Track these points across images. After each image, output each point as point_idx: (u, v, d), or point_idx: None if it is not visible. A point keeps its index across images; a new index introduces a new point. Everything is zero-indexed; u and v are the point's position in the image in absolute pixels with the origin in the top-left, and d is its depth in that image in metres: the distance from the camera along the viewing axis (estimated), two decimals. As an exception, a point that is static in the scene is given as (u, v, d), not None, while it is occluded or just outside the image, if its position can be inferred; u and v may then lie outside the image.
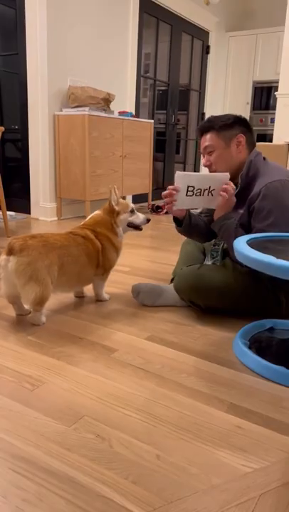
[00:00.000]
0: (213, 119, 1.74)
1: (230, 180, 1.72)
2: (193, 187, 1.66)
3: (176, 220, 1.91)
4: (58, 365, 1.37)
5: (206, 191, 1.66)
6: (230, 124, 1.71)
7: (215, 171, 1.74)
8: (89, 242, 1.79)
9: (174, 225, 1.95)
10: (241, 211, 1.69)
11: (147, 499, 0.87)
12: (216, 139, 1.72)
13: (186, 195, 1.66)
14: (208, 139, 1.74)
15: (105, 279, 1.93)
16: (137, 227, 1.96)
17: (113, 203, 1.88)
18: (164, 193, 1.71)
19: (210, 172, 1.76)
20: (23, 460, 0.96)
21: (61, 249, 1.67)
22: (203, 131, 1.76)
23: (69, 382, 1.28)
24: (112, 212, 1.89)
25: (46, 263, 1.59)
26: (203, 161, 1.80)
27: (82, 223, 1.91)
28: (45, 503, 0.85)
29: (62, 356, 1.44)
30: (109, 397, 1.21)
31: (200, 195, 1.67)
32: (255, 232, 1.59)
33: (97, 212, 1.94)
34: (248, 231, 1.65)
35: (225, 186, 1.64)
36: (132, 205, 1.95)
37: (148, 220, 1.96)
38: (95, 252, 1.80)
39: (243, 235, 1.59)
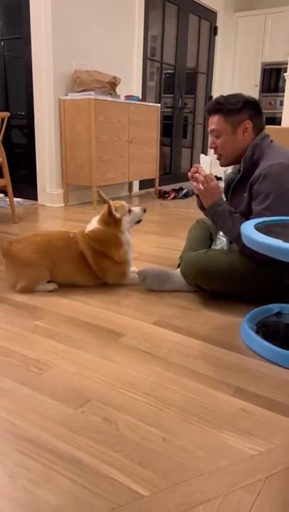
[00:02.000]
0: (223, 102, 1.69)
1: (234, 164, 1.72)
2: (202, 168, 1.74)
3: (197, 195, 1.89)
4: (64, 350, 1.38)
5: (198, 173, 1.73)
6: (239, 108, 1.67)
7: (220, 155, 1.75)
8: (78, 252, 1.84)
9: (196, 201, 1.93)
10: (245, 194, 1.68)
11: (153, 480, 0.87)
12: (223, 123, 1.69)
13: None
14: (215, 122, 1.71)
15: (125, 279, 1.93)
16: (137, 222, 1.96)
17: (114, 213, 1.84)
18: (192, 169, 1.78)
19: (215, 155, 1.77)
20: (29, 442, 0.97)
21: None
22: (211, 111, 1.73)
23: (76, 366, 1.28)
24: (116, 223, 1.85)
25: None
26: (209, 142, 1.78)
27: (85, 232, 1.89)
28: (52, 484, 0.86)
29: (69, 341, 1.44)
30: (116, 380, 1.22)
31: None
32: (254, 216, 1.57)
33: (97, 226, 1.88)
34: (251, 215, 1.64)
35: (196, 174, 1.69)
36: (126, 204, 1.92)
37: (144, 210, 1.94)
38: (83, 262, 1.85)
39: (241, 220, 1.58)
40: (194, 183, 1.74)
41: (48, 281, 1.85)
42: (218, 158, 1.78)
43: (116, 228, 1.86)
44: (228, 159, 1.75)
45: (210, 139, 1.77)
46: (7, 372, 1.24)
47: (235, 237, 1.66)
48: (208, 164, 1.72)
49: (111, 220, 1.85)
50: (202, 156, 1.80)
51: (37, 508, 0.80)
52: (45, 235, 1.91)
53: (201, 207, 1.86)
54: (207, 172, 1.71)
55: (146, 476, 0.89)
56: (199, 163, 1.78)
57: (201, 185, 1.70)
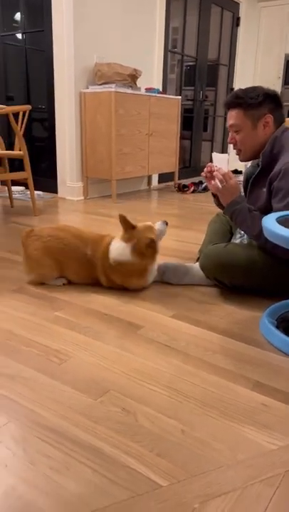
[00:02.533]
0: (242, 96, 1.66)
1: (255, 158, 1.71)
2: (217, 166, 1.71)
3: (214, 195, 1.88)
4: (84, 340, 1.40)
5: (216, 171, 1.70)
6: (259, 102, 1.64)
7: (240, 150, 1.73)
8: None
9: (212, 199, 1.92)
10: (264, 189, 1.66)
11: (172, 471, 0.88)
12: (242, 118, 1.66)
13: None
14: (234, 117, 1.68)
15: (145, 284, 1.83)
16: None
17: (156, 240, 1.72)
18: (205, 169, 1.76)
19: (235, 150, 1.74)
20: (50, 430, 0.98)
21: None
22: (230, 106, 1.70)
23: (95, 357, 1.30)
24: (153, 254, 1.74)
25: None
26: (229, 137, 1.76)
27: (111, 259, 1.74)
28: (72, 472, 0.87)
29: (88, 332, 1.46)
30: (135, 372, 1.22)
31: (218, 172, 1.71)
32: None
33: (129, 259, 1.70)
34: (271, 211, 1.61)
35: (215, 173, 1.66)
36: (154, 225, 1.78)
37: (166, 223, 1.85)
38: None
39: (260, 217, 1.55)
40: (212, 182, 1.70)
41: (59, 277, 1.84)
42: (237, 154, 1.75)
43: (152, 259, 1.75)
44: (248, 154, 1.72)
45: (230, 134, 1.75)
46: (28, 362, 1.26)
47: (255, 236, 1.64)
48: (226, 162, 1.69)
49: (149, 252, 1.72)
50: (215, 154, 1.76)
51: (57, 494, 0.82)
52: (66, 230, 1.83)
53: (219, 205, 1.84)
54: (225, 170, 1.68)
55: (164, 466, 0.89)
56: (212, 161, 1.76)
57: (219, 184, 1.67)
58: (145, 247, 1.70)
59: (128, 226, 1.72)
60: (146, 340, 1.42)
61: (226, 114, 1.75)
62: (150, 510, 0.79)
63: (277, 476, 0.88)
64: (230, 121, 1.70)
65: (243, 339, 1.44)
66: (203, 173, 1.77)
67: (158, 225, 1.80)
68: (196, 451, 0.94)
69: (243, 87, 1.72)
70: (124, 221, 1.72)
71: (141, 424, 1.02)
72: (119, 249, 1.73)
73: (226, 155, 1.71)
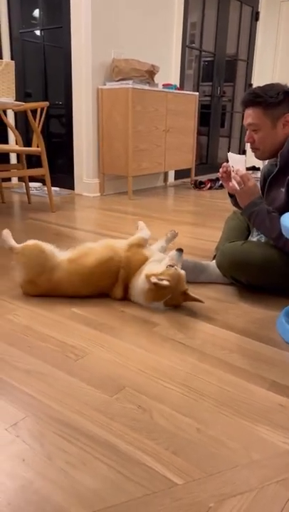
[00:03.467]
0: (261, 94, 1.62)
1: (272, 157, 1.69)
2: (233, 167, 1.70)
3: (231, 195, 1.87)
4: (100, 337, 1.40)
5: (234, 172, 1.68)
6: (279, 101, 1.60)
7: (257, 149, 1.71)
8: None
9: (229, 199, 1.91)
10: (283, 189, 1.63)
11: (187, 470, 0.88)
12: (262, 117, 1.63)
13: (232, 173, 1.71)
14: (252, 116, 1.64)
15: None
16: None
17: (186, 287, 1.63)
18: (221, 170, 1.76)
19: (251, 148, 1.72)
20: (67, 425, 1.00)
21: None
22: (247, 104, 1.66)
23: (111, 354, 1.30)
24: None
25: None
26: (246, 136, 1.73)
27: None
28: (88, 467, 0.88)
29: (104, 328, 1.47)
30: (151, 369, 1.23)
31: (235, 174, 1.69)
32: None
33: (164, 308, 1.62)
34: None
35: (238, 176, 1.63)
36: (178, 272, 1.61)
37: (181, 251, 1.69)
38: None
39: (279, 219, 1.53)
40: (230, 184, 1.68)
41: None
42: (253, 151, 1.73)
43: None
44: (266, 154, 1.70)
45: (247, 132, 1.72)
46: (45, 357, 1.27)
47: (273, 238, 1.62)
48: (243, 163, 1.66)
49: (182, 299, 1.64)
50: (230, 154, 1.73)
51: (74, 489, 0.83)
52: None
53: (236, 205, 1.83)
54: (243, 171, 1.65)
55: (179, 464, 0.89)
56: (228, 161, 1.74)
57: (237, 186, 1.65)
58: (179, 299, 1.64)
59: (162, 287, 1.56)
60: (162, 337, 1.42)
61: (243, 110, 1.72)
62: (165, 508, 0.79)
63: (294, 478, 0.87)
64: (248, 120, 1.67)
65: (259, 338, 1.43)
66: (219, 174, 1.76)
67: (175, 256, 1.66)
68: (211, 449, 0.94)
69: (262, 84, 1.69)
70: (158, 286, 1.56)
71: (156, 421, 1.02)
72: (152, 305, 1.63)
73: (243, 156, 1.68)
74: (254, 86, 1.93)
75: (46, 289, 1.66)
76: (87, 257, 1.67)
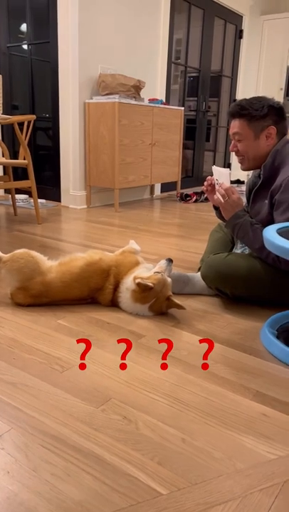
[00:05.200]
0: (246, 107, 1.67)
1: (256, 168, 1.73)
2: (217, 180, 1.76)
3: (216, 208, 1.91)
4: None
5: (218, 185, 1.73)
6: (264, 115, 1.65)
7: (242, 158, 1.75)
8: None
9: (214, 212, 1.95)
10: (266, 201, 1.68)
11: (172, 480, 0.89)
12: (246, 128, 1.68)
13: (217, 186, 1.77)
14: (237, 126, 1.69)
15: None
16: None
17: (170, 294, 1.69)
18: (205, 183, 1.83)
19: (237, 158, 1.77)
20: (52, 437, 1.00)
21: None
22: (234, 115, 1.71)
23: (97, 366, 1.31)
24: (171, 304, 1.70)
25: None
26: (231, 145, 1.78)
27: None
28: (73, 479, 0.88)
29: (90, 340, 1.47)
30: (136, 381, 1.24)
31: (219, 187, 1.74)
32: None
33: (149, 313, 1.68)
34: (272, 223, 1.63)
35: (223, 190, 1.69)
36: (163, 278, 1.67)
37: (171, 260, 1.77)
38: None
39: (262, 231, 1.57)
40: (215, 196, 1.74)
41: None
42: (239, 162, 1.78)
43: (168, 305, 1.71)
44: (251, 163, 1.74)
45: (232, 142, 1.77)
46: (31, 370, 1.27)
47: (256, 249, 1.66)
48: (228, 176, 1.71)
49: (166, 304, 1.69)
50: (215, 167, 1.78)
51: (59, 501, 0.83)
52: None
53: (221, 217, 1.87)
54: (227, 185, 1.70)
55: (165, 475, 0.90)
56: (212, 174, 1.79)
57: (221, 199, 1.70)
58: (163, 304, 1.68)
59: (146, 289, 1.63)
60: (148, 349, 1.43)
61: (228, 124, 1.77)
62: (150, 518, 0.80)
63: (277, 486, 0.88)
64: (233, 130, 1.72)
65: (243, 349, 1.45)
66: (204, 187, 1.81)
67: (163, 265, 1.73)
68: (197, 459, 0.95)
69: (246, 98, 1.74)
70: (142, 286, 1.62)
71: (142, 432, 1.03)
72: (136, 308, 1.68)
73: (227, 170, 1.73)
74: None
75: (38, 292, 1.68)
76: (78, 260, 1.74)
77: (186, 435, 1.02)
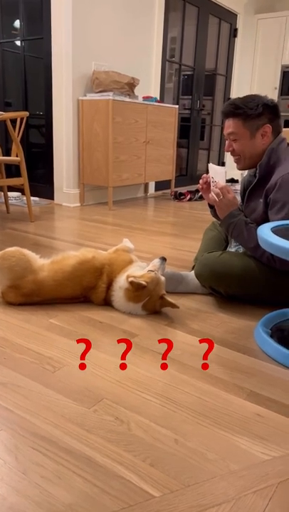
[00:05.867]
0: (241, 106, 1.64)
1: (252, 167, 1.72)
2: (213, 178, 1.73)
3: (211, 206, 1.90)
4: (78, 348, 1.39)
5: (214, 183, 1.70)
6: (258, 114, 1.63)
7: (238, 158, 1.73)
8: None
9: (209, 210, 1.94)
10: (261, 200, 1.66)
11: (165, 482, 0.87)
12: (241, 127, 1.65)
13: (212, 185, 1.74)
14: (232, 126, 1.67)
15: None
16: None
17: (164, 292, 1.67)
18: (201, 181, 1.82)
19: (233, 158, 1.75)
20: (43, 439, 0.98)
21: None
22: (228, 115, 1.69)
23: (89, 365, 1.29)
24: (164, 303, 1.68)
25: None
26: (226, 145, 1.76)
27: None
28: (64, 481, 0.86)
29: (83, 339, 1.45)
30: (129, 381, 1.22)
31: (215, 187, 1.71)
32: None
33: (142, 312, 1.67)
34: (267, 222, 1.62)
35: (217, 189, 1.66)
36: (157, 276, 1.65)
37: (164, 259, 1.75)
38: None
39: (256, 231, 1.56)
40: (210, 195, 1.72)
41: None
42: (235, 161, 1.76)
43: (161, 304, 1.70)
44: (247, 162, 1.72)
45: (227, 142, 1.74)
46: (22, 370, 1.25)
47: (250, 248, 1.65)
48: (223, 175, 1.69)
49: (159, 303, 1.67)
50: (211, 165, 1.76)
51: (49, 504, 0.81)
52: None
53: (216, 216, 1.86)
54: (223, 184, 1.68)
55: (157, 477, 0.89)
56: (208, 172, 1.77)
57: (216, 198, 1.68)
58: (156, 303, 1.66)
59: (139, 288, 1.61)
60: (141, 348, 1.41)
61: (222, 123, 1.74)
62: (142, 522, 0.78)
63: (271, 487, 0.87)
64: (228, 130, 1.69)
65: (237, 348, 1.44)
66: (199, 185, 1.79)
67: (157, 263, 1.71)
68: (190, 461, 0.93)
69: (240, 97, 1.72)
70: (135, 285, 1.60)
71: (134, 433, 1.01)
72: (129, 307, 1.67)
73: (223, 168, 1.71)
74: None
75: (30, 290, 1.66)
76: (70, 258, 1.72)
77: (179, 436, 1.01)
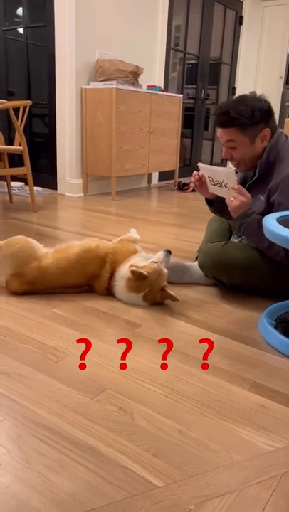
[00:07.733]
0: (236, 116, 1.56)
1: (252, 168, 1.70)
2: (212, 178, 1.69)
3: (207, 200, 1.88)
4: (81, 338, 1.38)
5: (222, 184, 1.64)
6: (256, 120, 1.57)
7: (238, 164, 1.69)
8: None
9: (208, 207, 1.92)
10: (262, 197, 1.64)
11: (168, 472, 0.87)
12: (240, 135, 1.59)
13: (211, 184, 1.72)
14: (230, 134, 1.60)
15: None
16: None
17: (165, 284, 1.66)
18: (193, 179, 1.78)
19: (232, 162, 1.72)
20: (46, 428, 0.98)
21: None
22: (223, 127, 1.61)
23: (92, 355, 1.29)
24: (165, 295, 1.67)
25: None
26: (223, 152, 1.69)
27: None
28: (67, 470, 0.86)
29: (86, 329, 1.45)
30: (132, 371, 1.22)
31: (220, 187, 1.67)
32: None
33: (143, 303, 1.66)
34: None
35: (234, 193, 1.58)
36: (159, 268, 1.64)
37: (169, 252, 1.73)
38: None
39: None
40: (230, 199, 1.63)
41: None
42: (236, 166, 1.71)
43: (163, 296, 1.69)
44: (248, 165, 1.68)
45: (224, 149, 1.67)
46: (25, 359, 1.25)
47: (264, 248, 1.62)
48: (234, 176, 1.57)
49: (160, 295, 1.66)
50: (202, 166, 1.70)
51: (52, 493, 0.81)
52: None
53: (215, 212, 1.85)
54: (236, 185, 1.58)
55: (160, 467, 0.88)
56: (205, 166, 1.71)
57: (232, 199, 1.59)
58: (157, 295, 1.65)
59: (140, 278, 1.60)
60: (144, 338, 1.41)
61: (215, 129, 1.65)
62: (146, 511, 0.78)
63: (274, 478, 0.87)
64: (224, 138, 1.62)
65: (241, 339, 1.43)
66: (192, 184, 1.76)
67: (161, 255, 1.69)
68: (193, 451, 0.93)
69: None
70: (136, 274, 1.59)
71: (137, 423, 1.01)
72: (130, 297, 1.66)
73: (231, 168, 1.61)
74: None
75: (34, 278, 1.66)
76: (75, 247, 1.71)
77: (183, 426, 1.00)
